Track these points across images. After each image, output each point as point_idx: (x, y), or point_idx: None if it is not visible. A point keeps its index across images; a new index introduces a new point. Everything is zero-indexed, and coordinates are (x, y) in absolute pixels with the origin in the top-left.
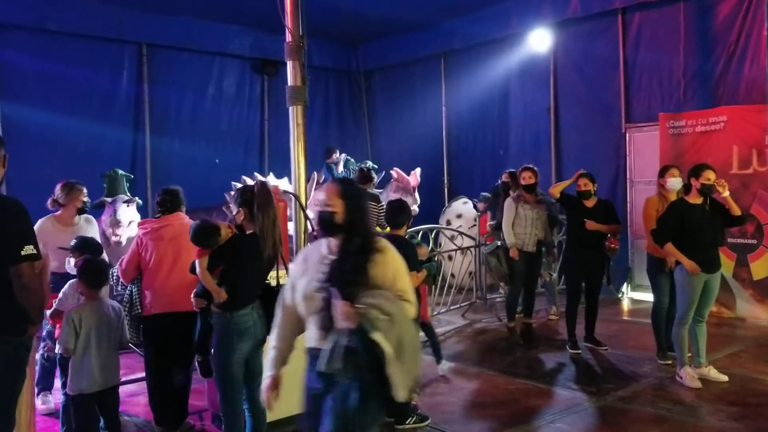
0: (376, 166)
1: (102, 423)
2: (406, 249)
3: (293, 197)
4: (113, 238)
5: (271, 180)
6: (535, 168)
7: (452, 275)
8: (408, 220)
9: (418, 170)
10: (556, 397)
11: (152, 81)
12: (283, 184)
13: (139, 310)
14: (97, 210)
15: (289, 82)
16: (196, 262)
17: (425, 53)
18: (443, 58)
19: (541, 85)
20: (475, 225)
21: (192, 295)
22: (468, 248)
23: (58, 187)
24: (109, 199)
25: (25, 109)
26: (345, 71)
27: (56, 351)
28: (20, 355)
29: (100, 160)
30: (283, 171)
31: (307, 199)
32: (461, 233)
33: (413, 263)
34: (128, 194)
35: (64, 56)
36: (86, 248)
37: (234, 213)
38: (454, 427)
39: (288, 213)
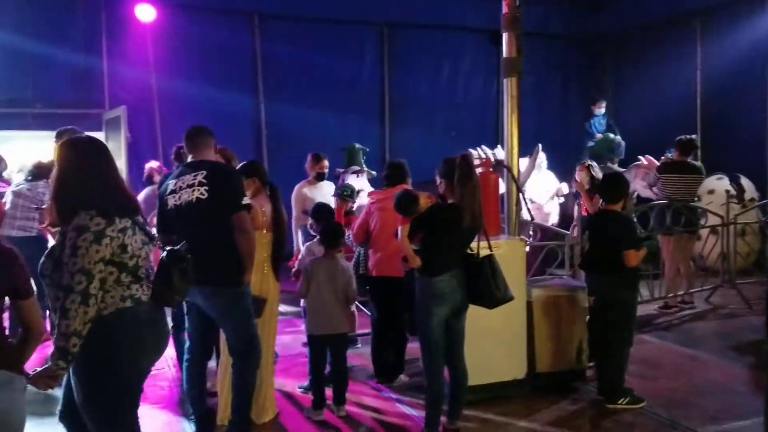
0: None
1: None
2: (624, 225)
3: (506, 169)
4: None
5: (499, 152)
6: None
7: (701, 256)
8: (624, 194)
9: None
10: None
11: (392, 61)
12: (499, 152)
13: (364, 271)
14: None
15: (505, 53)
16: (399, 228)
17: (678, 13)
18: (699, 18)
19: None
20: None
21: (401, 259)
22: (714, 227)
23: (309, 157)
24: (341, 170)
25: (282, 97)
26: (581, 37)
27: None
28: (241, 301)
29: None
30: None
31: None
32: (708, 211)
33: (632, 241)
34: (364, 166)
35: (314, 43)
36: (322, 213)
37: (437, 183)
38: (673, 411)
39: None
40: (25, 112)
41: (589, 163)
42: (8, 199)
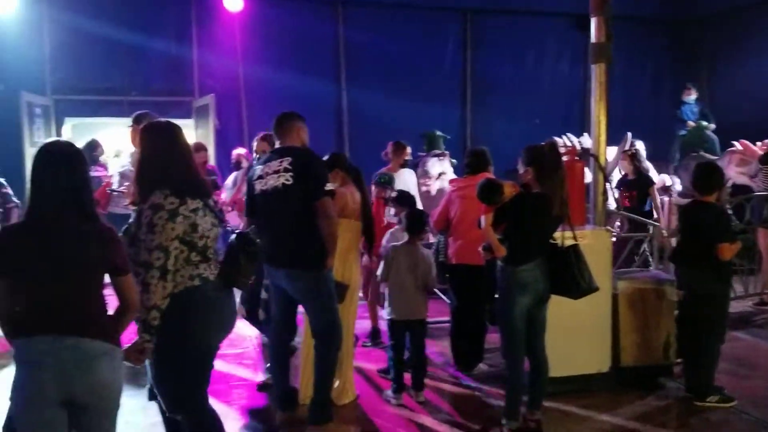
0: None
1: (408, 352)
2: (717, 217)
3: (592, 158)
4: (422, 188)
5: (585, 141)
6: None
7: None
8: (719, 185)
9: None
10: None
11: (475, 47)
12: (585, 141)
13: (443, 258)
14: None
15: (593, 38)
16: (482, 218)
17: None
18: None
19: None
20: None
21: (480, 248)
22: None
23: (390, 144)
24: (422, 154)
25: (364, 84)
26: (674, 21)
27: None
28: (323, 284)
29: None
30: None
31: (615, 160)
32: None
33: (726, 233)
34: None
35: (396, 29)
36: (403, 201)
37: (521, 171)
38: (765, 412)
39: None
40: (121, 99)
41: (634, 150)
42: (116, 180)
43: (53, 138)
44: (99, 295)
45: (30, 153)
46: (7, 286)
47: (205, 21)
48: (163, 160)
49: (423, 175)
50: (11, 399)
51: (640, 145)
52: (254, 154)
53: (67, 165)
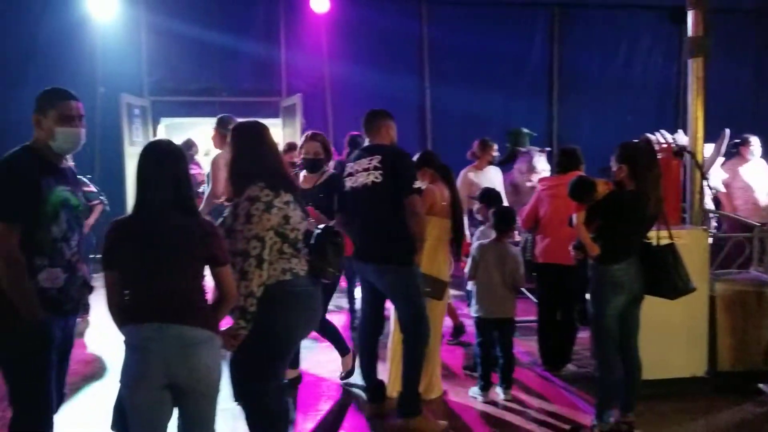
0: None
1: (498, 350)
2: None
3: (689, 155)
4: (528, 184)
5: (680, 138)
6: None
7: None
8: None
9: None
10: None
11: (563, 42)
12: (680, 138)
13: (530, 257)
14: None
15: (690, 32)
16: (573, 216)
17: None
18: None
19: None
20: None
21: (571, 247)
22: None
23: (476, 142)
24: (524, 149)
25: (448, 81)
26: None
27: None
28: (411, 279)
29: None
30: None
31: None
32: None
33: None
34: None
35: (481, 25)
36: (490, 198)
37: (614, 169)
38: None
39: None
40: (213, 100)
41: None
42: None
43: (155, 137)
44: (200, 286)
45: (129, 152)
46: (117, 277)
47: (293, 22)
48: (254, 156)
49: (530, 170)
50: (121, 381)
51: (755, 141)
52: (302, 155)
53: (170, 163)
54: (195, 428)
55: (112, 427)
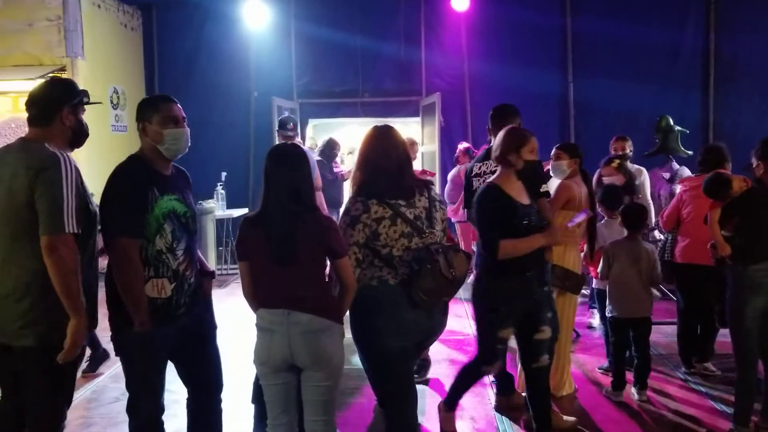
0: None
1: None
2: None
3: None
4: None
5: None
6: None
7: None
8: None
9: None
10: None
11: (720, 29)
12: None
13: (669, 257)
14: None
15: None
16: (708, 213)
17: None
18: None
19: None
20: None
21: (709, 246)
22: None
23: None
24: (674, 158)
25: (592, 74)
26: None
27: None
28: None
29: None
30: None
31: None
32: None
33: None
34: (682, 149)
35: (627, 14)
36: (613, 195)
37: (754, 165)
38: None
39: None
40: (355, 101)
41: None
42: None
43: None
44: (321, 276)
45: None
46: (249, 267)
47: (433, 22)
48: (361, 163)
49: (672, 180)
50: (254, 362)
51: None
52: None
53: (292, 164)
54: (313, 409)
55: (252, 401)
